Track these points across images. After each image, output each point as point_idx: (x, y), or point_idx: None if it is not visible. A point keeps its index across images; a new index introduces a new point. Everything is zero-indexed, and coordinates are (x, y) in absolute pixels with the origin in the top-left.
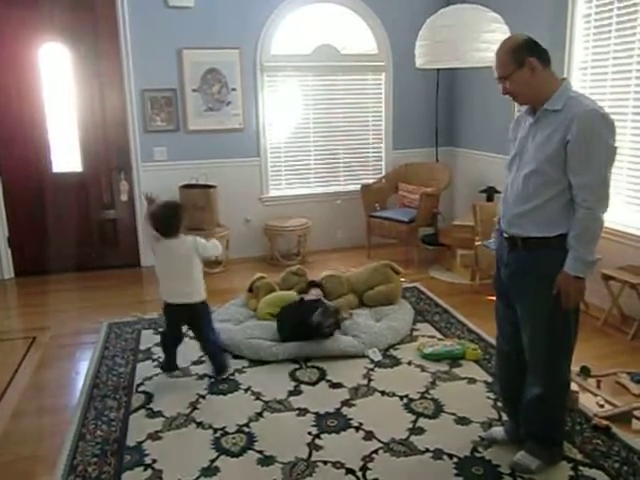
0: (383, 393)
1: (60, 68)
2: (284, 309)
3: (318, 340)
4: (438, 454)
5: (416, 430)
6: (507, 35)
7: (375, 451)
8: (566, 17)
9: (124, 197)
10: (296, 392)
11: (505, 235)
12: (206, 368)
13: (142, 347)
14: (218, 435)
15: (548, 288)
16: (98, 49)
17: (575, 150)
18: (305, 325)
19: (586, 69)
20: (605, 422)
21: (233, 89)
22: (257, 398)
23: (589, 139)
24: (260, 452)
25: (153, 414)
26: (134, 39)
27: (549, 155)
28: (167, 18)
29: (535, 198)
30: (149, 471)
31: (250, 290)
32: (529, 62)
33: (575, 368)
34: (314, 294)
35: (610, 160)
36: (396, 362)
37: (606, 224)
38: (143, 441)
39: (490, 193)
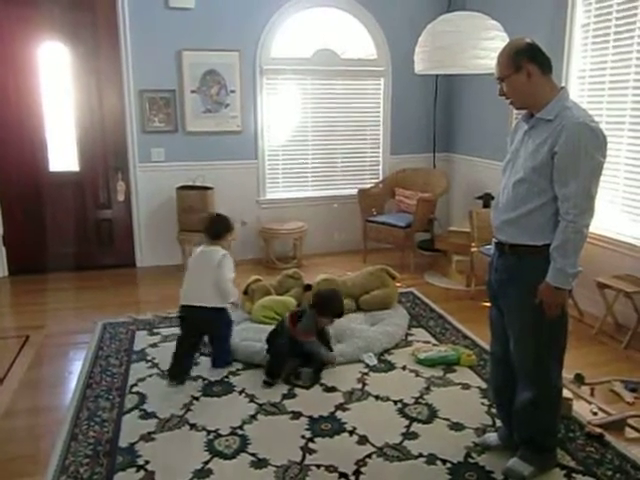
0: (377, 398)
1: (59, 67)
2: (273, 335)
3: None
4: (431, 459)
5: (410, 435)
6: (506, 42)
7: (368, 455)
8: (565, 26)
9: (121, 197)
10: (290, 395)
11: (495, 240)
12: (200, 370)
13: (136, 348)
14: (211, 437)
15: (532, 295)
16: (97, 49)
17: (561, 161)
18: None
19: (584, 78)
20: (598, 430)
21: (232, 91)
22: (251, 401)
23: (575, 151)
24: (253, 455)
25: (146, 415)
26: (134, 39)
27: (537, 164)
28: (167, 19)
29: (522, 206)
30: (141, 472)
31: (245, 292)
32: (527, 68)
33: (569, 375)
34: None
35: (595, 174)
36: (390, 367)
37: (603, 232)
38: (136, 442)
39: (486, 199)
